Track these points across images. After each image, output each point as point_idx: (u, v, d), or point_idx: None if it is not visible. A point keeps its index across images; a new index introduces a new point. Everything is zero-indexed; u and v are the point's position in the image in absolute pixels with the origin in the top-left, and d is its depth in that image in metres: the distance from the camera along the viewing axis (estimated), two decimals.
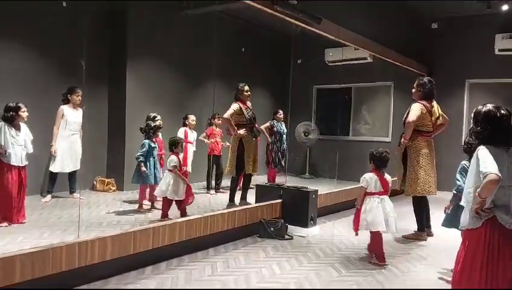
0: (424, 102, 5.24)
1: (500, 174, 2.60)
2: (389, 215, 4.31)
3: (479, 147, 2.80)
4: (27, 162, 5.22)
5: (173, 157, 5.45)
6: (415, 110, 5.19)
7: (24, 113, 5.14)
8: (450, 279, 3.75)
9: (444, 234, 4.91)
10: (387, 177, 4.48)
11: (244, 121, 6.09)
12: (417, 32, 9.53)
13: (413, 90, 5.40)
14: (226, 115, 6.02)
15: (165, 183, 5.39)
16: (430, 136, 5.35)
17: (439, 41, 9.50)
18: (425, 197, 5.38)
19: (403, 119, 5.36)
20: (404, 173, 5.37)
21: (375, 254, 4.39)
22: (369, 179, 4.38)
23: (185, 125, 7.28)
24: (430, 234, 5.41)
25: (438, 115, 5.38)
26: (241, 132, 6.00)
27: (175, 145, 5.57)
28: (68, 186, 6.73)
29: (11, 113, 5.04)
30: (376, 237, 4.39)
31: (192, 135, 7.32)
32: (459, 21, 9.21)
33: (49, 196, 6.47)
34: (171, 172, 5.36)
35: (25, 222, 5.10)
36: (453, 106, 8.84)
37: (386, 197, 4.39)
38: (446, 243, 5.07)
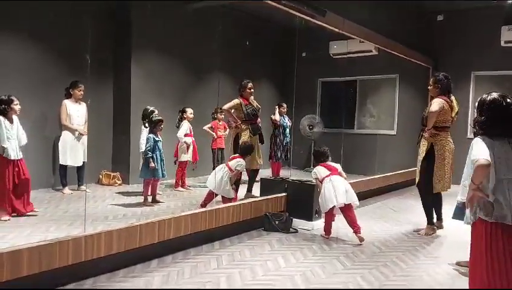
0: (444, 98, 5.19)
1: (489, 159, 2.58)
2: (337, 188, 4.77)
3: (474, 139, 2.75)
4: (21, 156, 5.20)
5: (243, 161, 5.63)
6: (438, 102, 5.11)
7: (16, 106, 5.12)
8: (463, 270, 3.78)
9: (452, 227, 4.91)
10: (333, 164, 5.11)
11: (243, 117, 6.19)
12: (422, 25, 9.46)
13: (430, 88, 5.34)
14: (226, 106, 6.30)
15: (220, 179, 5.46)
16: (448, 131, 5.31)
17: (445, 34, 9.44)
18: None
19: (423, 115, 5.30)
20: (424, 169, 5.25)
21: (324, 227, 5.00)
22: (317, 171, 5.04)
23: (182, 118, 7.23)
24: (440, 226, 5.39)
25: (457, 110, 5.34)
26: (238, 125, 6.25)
27: (250, 152, 5.83)
28: (76, 179, 6.76)
29: (3, 106, 5.02)
30: (328, 215, 4.91)
31: (191, 126, 7.34)
32: (465, 13, 9.13)
33: (66, 188, 6.57)
34: (232, 172, 5.51)
35: (36, 211, 5.23)
36: (458, 99, 8.78)
37: (334, 176, 4.92)
38: (453, 236, 5.09)
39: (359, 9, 7.33)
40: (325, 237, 4.93)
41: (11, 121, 5.12)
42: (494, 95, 2.82)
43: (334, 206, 4.78)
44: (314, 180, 5.12)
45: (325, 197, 4.82)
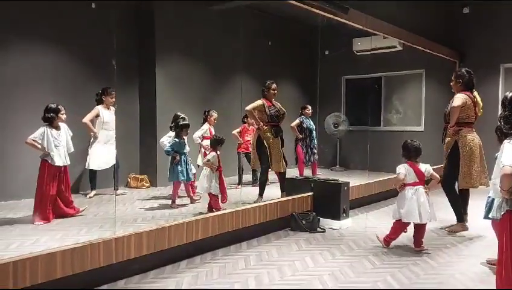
0: (467, 93, 5.09)
1: None
2: (424, 205, 4.29)
3: (506, 140, 2.76)
4: (69, 162, 5.41)
5: (213, 153, 5.65)
6: (460, 98, 5.03)
7: (63, 115, 5.33)
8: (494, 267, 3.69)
9: (483, 224, 4.78)
10: (423, 167, 4.46)
11: (266, 119, 6.13)
12: (448, 18, 9.27)
13: (452, 83, 5.25)
14: (249, 107, 6.19)
15: (203, 177, 5.60)
16: (473, 127, 5.20)
17: (471, 26, 9.23)
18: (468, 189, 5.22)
19: (445, 111, 5.21)
20: (449, 166, 5.19)
21: (388, 234, 4.51)
22: (405, 171, 4.40)
23: (205, 120, 7.23)
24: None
25: (481, 105, 5.23)
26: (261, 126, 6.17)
27: (219, 143, 5.80)
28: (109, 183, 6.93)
29: (51, 114, 5.22)
30: (401, 225, 4.42)
31: (213, 130, 7.36)
32: (491, 4, 8.90)
33: (93, 192, 6.72)
34: (210, 167, 5.59)
35: (82, 210, 5.52)
36: (487, 93, 8.52)
37: (420, 187, 4.36)
38: (483, 233, 4.95)
39: (382, 5, 7.23)
40: (384, 247, 4.50)
41: (58, 128, 5.30)
42: None
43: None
44: (397, 175, 4.46)
45: (406, 208, 4.31)
